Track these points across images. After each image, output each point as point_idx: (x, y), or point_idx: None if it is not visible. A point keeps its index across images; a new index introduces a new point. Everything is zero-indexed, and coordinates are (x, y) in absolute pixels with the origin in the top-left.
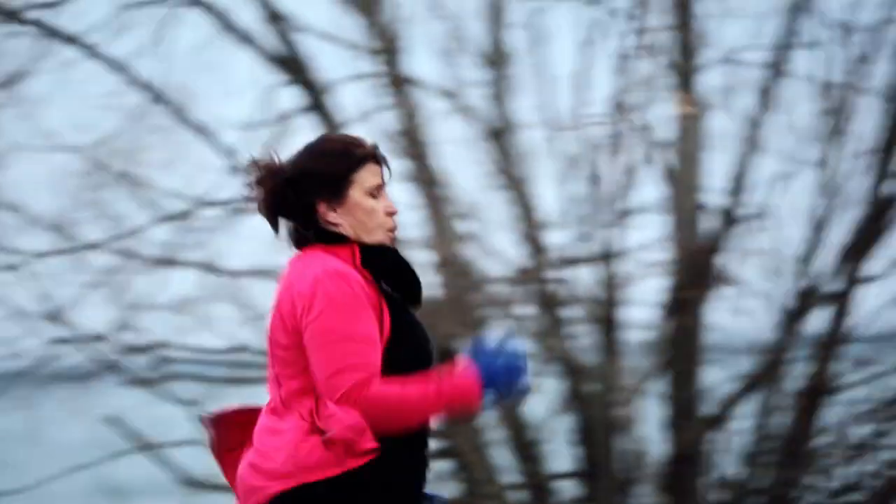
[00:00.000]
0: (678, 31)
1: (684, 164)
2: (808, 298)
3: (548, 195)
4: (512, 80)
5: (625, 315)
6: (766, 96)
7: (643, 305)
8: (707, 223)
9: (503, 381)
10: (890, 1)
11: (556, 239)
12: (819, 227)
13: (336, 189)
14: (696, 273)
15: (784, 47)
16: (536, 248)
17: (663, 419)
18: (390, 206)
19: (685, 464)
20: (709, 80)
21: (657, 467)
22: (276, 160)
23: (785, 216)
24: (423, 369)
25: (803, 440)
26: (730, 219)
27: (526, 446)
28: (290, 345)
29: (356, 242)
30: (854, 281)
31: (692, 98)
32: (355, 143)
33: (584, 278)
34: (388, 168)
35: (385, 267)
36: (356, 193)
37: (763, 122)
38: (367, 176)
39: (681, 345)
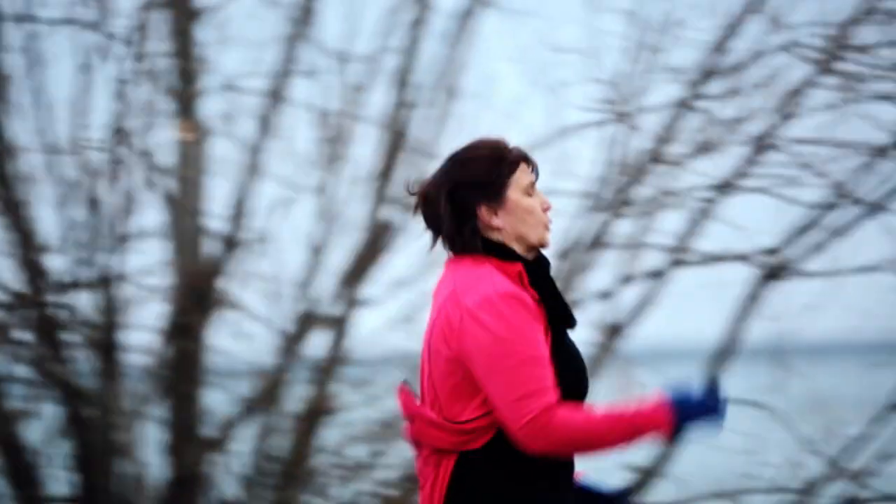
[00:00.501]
0: (178, 58)
1: (185, 190)
2: (306, 322)
3: (47, 220)
4: (9, 104)
5: (125, 339)
6: (265, 123)
7: (144, 330)
8: (208, 248)
9: (695, 418)
10: (385, 31)
11: (56, 264)
12: (318, 251)
13: (496, 192)
14: (197, 297)
15: (283, 75)
16: (35, 273)
17: (164, 443)
18: (546, 203)
19: (185, 486)
20: (209, 107)
21: (157, 491)
22: (428, 178)
23: (285, 241)
24: (579, 396)
25: (301, 461)
26: (231, 243)
27: (22, 471)
28: (452, 358)
29: (518, 255)
30: (352, 304)
31: (193, 124)
32: (504, 146)
33: (84, 303)
34: (537, 167)
35: (549, 288)
36: (514, 194)
37: (263, 149)
38: (520, 175)
39: (182, 368)
